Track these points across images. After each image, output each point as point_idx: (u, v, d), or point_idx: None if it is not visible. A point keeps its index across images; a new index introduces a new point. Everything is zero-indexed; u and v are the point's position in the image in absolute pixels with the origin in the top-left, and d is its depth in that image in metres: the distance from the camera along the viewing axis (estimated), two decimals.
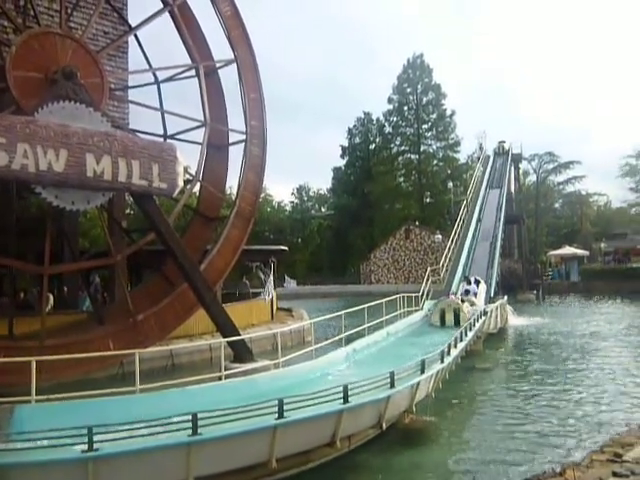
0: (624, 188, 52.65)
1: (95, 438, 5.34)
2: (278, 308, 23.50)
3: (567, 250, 47.92)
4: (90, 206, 12.06)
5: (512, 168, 45.74)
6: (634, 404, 10.22)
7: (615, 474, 6.05)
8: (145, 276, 19.39)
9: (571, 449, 7.87)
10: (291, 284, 53.24)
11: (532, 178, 65.84)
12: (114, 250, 13.39)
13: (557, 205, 70.34)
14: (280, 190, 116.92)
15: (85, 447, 5.30)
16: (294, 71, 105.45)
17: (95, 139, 11.29)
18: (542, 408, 10.15)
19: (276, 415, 6.37)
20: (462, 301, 17.83)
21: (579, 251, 47.58)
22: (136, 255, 14.54)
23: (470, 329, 14.55)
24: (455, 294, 19.46)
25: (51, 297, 16.43)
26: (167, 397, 7.99)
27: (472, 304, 18.15)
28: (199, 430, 5.79)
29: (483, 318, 17.07)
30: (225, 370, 9.93)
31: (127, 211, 24.94)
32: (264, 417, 6.33)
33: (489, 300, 21.71)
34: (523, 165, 56.10)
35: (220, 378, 9.63)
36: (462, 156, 65.55)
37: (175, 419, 5.87)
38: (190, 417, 5.78)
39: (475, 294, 19.90)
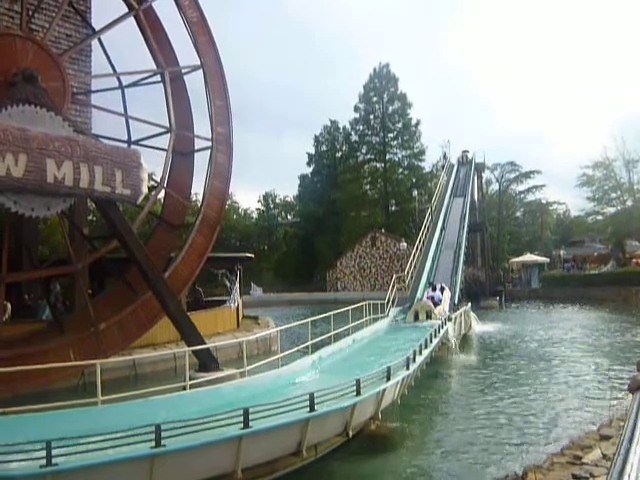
0: (581, 197, 54.15)
1: (54, 452, 5.20)
2: (244, 316, 23.32)
3: (528, 257, 48.99)
4: (50, 213, 11.75)
5: (475, 177, 46.53)
6: (593, 408, 10.48)
7: (575, 476, 6.18)
8: (107, 284, 18.98)
9: (532, 452, 8.03)
10: (257, 292, 52.88)
11: (495, 187, 67.24)
12: (75, 258, 13.09)
13: (518, 213, 71.85)
14: (247, 197, 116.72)
15: (44, 462, 5.15)
16: (260, 77, 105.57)
17: (56, 144, 11.02)
18: (505, 413, 10.32)
19: (241, 425, 6.31)
20: (435, 305, 19.29)
21: (540, 258, 48.71)
22: (98, 263, 14.26)
23: (441, 328, 15.71)
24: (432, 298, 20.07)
25: (9, 306, 15.94)
26: (130, 408, 7.84)
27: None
28: (163, 442, 5.69)
29: (447, 324, 17.35)
30: (190, 380, 9.79)
31: (89, 218, 24.48)
32: (229, 427, 6.26)
33: (453, 307, 22.01)
34: (486, 174, 57.26)
35: (185, 388, 9.49)
36: (427, 165, 66.53)
37: (138, 431, 5.75)
38: (153, 428, 5.68)
39: (440, 300, 20.19)
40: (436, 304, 19.55)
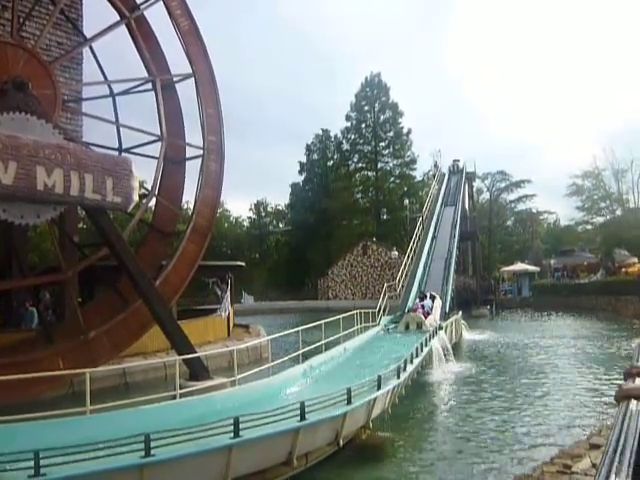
0: (571, 207, 54.57)
1: (43, 462, 5.15)
2: (235, 324, 23.25)
3: (519, 266, 49.18)
4: (40, 220, 11.70)
5: (466, 186, 46.80)
6: (582, 416, 10.53)
7: None
8: (98, 292, 18.88)
9: (522, 461, 8.05)
10: (249, 300, 52.77)
11: (485, 196, 67.74)
12: (65, 265, 13.01)
13: (509, 222, 72.36)
14: (238, 205, 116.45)
15: (32, 472, 5.10)
16: (252, 85, 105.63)
17: (46, 151, 10.98)
18: (495, 422, 10.34)
19: (232, 434, 6.28)
20: (427, 314, 19.45)
21: (530, 267, 48.88)
22: (88, 271, 14.18)
23: (432, 337, 15.59)
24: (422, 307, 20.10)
25: None
26: (119, 418, 7.78)
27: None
28: (152, 451, 5.66)
29: (439, 333, 17.40)
30: (180, 388, 9.74)
31: (80, 225, 24.35)
32: (219, 436, 6.23)
33: (444, 315, 22.06)
34: (477, 183, 57.65)
35: (175, 397, 9.43)
36: (418, 174, 66.90)
37: (127, 440, 5.71)
38: (143, 438, 5.64)
39: (430, 309, 20.23)
40: (427, 313, 19.60)
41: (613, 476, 1.29)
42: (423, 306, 20.19)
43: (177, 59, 16.40)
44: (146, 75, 15.55)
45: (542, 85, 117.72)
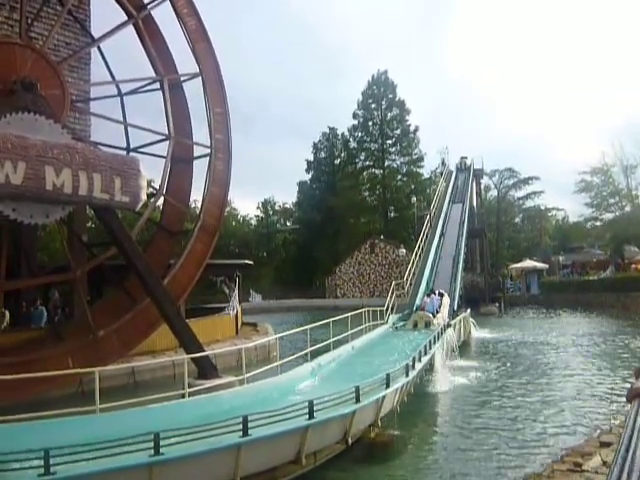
0: (580, 203, 54.18)
1: (53, 461, 5.18)
2: (243, 323, 23.29)
3: (527, 263, 48.96)
4: (49, 220, 11.77)
5: (474, 183, 46.63)
6: (593, 414, 10.46)
7: None
8: (106, 291, 18.96)
9: (533, 459, 8.00)
10: (256, 298, 52.89)
11: (493, 193, 67.50)
12: (74, 265, 13.07)
13: (517, 220, 72.07)
14: (245, 204, 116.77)
15: (42, 470, 5.13)
16: (259, 84, 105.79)
17: (55, 151, 11.04)
18: (505, 420, 10.30)
19: (241, 433, 6.29)
20: (436, 312, 19.43)
21: (539, 264, 48.65)
22: (97, 270, 14.24)
23: (440, 335, 15.52)
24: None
25: (7, 313, 15.90)
26: (128, 416, 7.81)
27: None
28: (161, 450, 5.67)
29: (447, 330, 17.37)
30: (189, 387, 9.76)
31: (88, 225, 24.48)
32: (228, 435, 6.24)
33: (453, 313, 21.98)
34: (484, 180, 57.44)
35: (184, 395, 9.46)
36: (425, 171, 66.79)
37: (137, 439, 5.72)
38: (152, 436, 5.66)
39: (439, 306, 20.17)
40: (436, 310, 19.55)
41: (625, 475, 1.28)
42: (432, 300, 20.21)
43: (184, 58, 16.43)
44: (153, 75, 15.59)
45: (549, 79, 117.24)
